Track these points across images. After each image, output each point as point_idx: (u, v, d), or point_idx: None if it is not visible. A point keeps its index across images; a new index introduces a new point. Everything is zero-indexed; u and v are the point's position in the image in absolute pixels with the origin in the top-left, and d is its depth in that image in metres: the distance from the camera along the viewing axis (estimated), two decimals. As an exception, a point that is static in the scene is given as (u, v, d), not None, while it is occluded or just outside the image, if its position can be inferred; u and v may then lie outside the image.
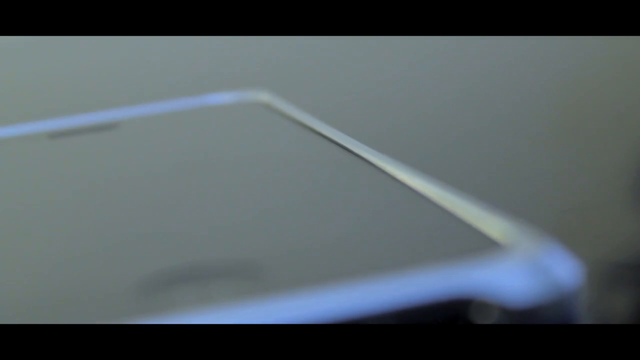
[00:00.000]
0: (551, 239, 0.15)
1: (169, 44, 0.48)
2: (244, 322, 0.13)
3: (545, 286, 0.14)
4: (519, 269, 0.14)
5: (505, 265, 0.14)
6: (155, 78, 0.41)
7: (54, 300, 0.15)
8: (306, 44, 0.45)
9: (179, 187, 0.19)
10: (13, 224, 0.19)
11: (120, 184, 0.20)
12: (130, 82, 0.41)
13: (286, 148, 0.22)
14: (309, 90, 0.36)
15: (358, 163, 0.20)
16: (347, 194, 0.18)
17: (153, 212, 0.18)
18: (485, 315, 0.14)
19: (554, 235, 0.18)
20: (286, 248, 0.16)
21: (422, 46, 0.42)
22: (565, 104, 0.32)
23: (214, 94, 0.28)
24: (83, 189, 0.20)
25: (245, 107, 0.26)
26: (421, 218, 0.16)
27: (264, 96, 0.27)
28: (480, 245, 0.15)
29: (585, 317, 0.14)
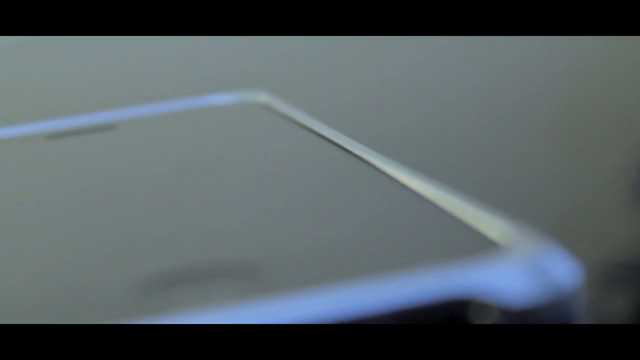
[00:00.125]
0: (550, 240, 0.15)
1: (168, 44, 0.48)
2: (243, 322, 0.13)
3: (544, 287, 0.14)
4: (518, 269, 0.14)
5: (504, 265, 0.14)
6: (155, 78, 0.41)
7: (53, 301, 0.15)
8: (306, 44, 0.45)
9: (178, 187, 0.19)
10: (12, 225, 0.19)
11: (119, 184, 0.20)
12: (130, 83, 0.41)
13: (285, 149, 0.22)
14: (308, 91, 0.36)
15: (357, 164, 0.20)
16: (346, 195, 0.18)
17: (152, 212, 0.18)
18: (484, 315, 0.14)
19: (552, 235, 0.18)
20: (285, 249, 0.16)
21: (422, 46, 0.42)
22: (564, 104, 0.32)
23: (213, 94, 0.28)
24: (82, 189, 0.20)
25: (244, 108, 0.26)
26: (420, 219, 0.16)
27: (263, 97, 0.27)
28: (479, 246, 0.15)
29: (584, 317, 0.14)
